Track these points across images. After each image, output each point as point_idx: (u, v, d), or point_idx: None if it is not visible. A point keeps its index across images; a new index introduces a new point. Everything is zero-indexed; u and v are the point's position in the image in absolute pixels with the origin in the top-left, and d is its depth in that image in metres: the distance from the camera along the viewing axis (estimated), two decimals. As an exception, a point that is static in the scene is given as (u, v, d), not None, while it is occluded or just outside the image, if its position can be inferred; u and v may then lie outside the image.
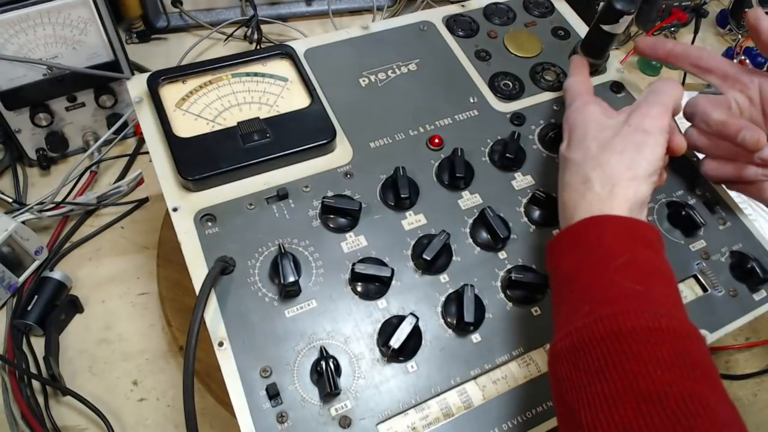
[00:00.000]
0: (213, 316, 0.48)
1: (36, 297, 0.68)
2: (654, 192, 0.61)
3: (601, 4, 0.59)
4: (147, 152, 0.76)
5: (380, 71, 0.65)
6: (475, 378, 0.50)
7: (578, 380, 0.38)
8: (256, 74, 0.62)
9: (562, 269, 0.45)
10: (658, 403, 0.34)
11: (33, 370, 0.65)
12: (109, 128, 0.80)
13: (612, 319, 0.38)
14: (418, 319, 0.49)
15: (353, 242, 0.54)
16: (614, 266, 0.41)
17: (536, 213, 0.58)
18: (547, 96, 0.66)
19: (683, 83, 0.95)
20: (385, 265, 0.52)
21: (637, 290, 0.40)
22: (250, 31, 0.97)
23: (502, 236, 0.54)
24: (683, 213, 0.58)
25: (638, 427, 0.34)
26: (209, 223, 0.53)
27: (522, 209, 0.58)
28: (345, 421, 0.46)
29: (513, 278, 0.53)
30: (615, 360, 0.37)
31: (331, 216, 0.54)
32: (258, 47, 0.97)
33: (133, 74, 0.79)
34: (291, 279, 0.48)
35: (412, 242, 0.54)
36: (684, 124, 0.56)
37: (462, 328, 0.51)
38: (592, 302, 0.40)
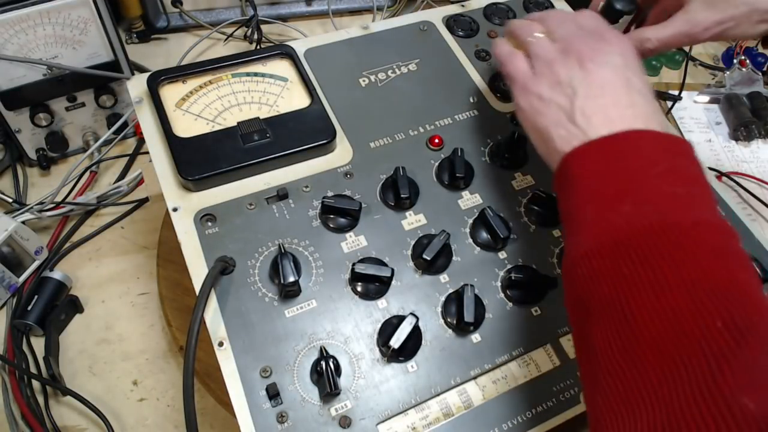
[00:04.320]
0: (213, 316, 0.48)
1: (36, 297, 0.68)
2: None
3: (601, 4, 0.59)
4: (147, 152, 0.76)
5: (380, 71, 0.65)
6: (475, 378, 0.50)
7: (617, 272, 0.38)
8: (256, 74, 0.62)
9: (590, 174, 0.43)
10: (708, 287, 0.35)
11: (33, 370, 0.65)
12: (109, 128, 0.81)
13: (657, 215, 0.39)
14: (418, 319, 0.49)
15: (353, 242, 0.54)
16: (654, 172, 0.41)
17: (536, 213, 0.58)
18: (547, 96, 0.66)
19: (683, 83, 0.95)
20: (385, 265, 0.52)
21: (678, 193, 0.40)
22: (250, 31, 0.97)
23: (502, 236, 0.54)
24: (683, 213, 0.58)
25: (687, 310, 0.34)
26: (209, 223, 0.53)
27: (522, 209, 0.58)
28: (345, 421, 0.46)
29: (513, 278, 0.53)
30: (662, 251, 0.37)
31: (331, 216, 0.54)
32: (258, 47, 0.97)
33: (133, 74, 0.79)
34: (291, 279, 0.48)
35: (412, 242, 0.54)
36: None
37: (462, 328, 0.51)
38: (634, 203, 0.40)
